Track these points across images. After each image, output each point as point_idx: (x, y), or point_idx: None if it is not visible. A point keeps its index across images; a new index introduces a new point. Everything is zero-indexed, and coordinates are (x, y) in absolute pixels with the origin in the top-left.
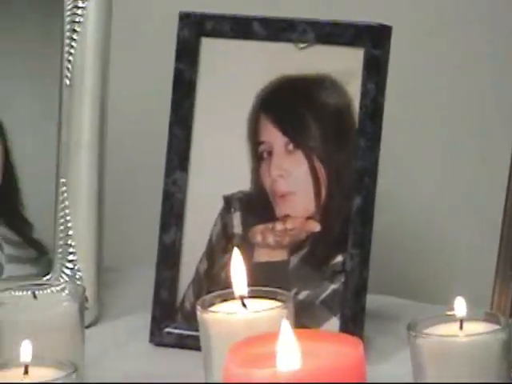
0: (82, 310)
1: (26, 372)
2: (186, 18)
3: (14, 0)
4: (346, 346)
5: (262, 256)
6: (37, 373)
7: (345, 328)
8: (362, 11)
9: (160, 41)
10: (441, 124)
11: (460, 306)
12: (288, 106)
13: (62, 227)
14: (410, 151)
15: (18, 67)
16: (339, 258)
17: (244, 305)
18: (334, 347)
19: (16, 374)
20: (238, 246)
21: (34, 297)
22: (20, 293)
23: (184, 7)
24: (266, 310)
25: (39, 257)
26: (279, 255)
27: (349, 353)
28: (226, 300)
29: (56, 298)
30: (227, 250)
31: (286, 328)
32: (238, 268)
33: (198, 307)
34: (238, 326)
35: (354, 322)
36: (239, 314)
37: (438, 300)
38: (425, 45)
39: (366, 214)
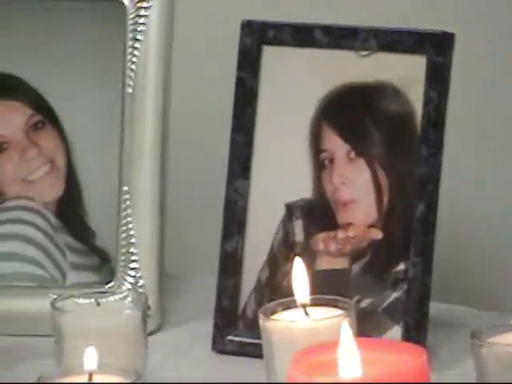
0: (144, 317)
1: (90, 379)
2: (247, 27)
3: (78, 9)
4: (408, 355)
5: (324, 264)
6: (100, 380)
7: (407, 336)
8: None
9: (222, 49)
10: (500, 129)
11: None
12: (350, 113)
13: (124, 235)
14: (469, 156)
15: (81, 75)
16: (401, 266)
17: (306, 313)
18: (396, 356)
19: (80, 381)
20: (299, 254)
21: (97, 304)
22: (83, 300)
23: (246, 15)
24: (328, 318)
25: (102, 264)
26: (341, 263)
27: (412, 361)
28: (287, 308)
29: (119, 306)
30: (289, 258)
31: (347, 336)
32: (300, 276)
33: (261, 315)
34: (300, 334)
35: (416, 331)
36: (301, 322)
37: (502, 308)
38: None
39: (429, 222)
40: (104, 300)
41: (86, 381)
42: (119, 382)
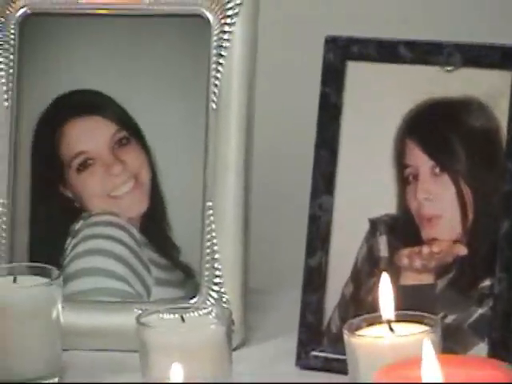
0: (228, 332)
1: None
2: (332, 42)
3: (163, 26)
4: (495, 371)
5: (409, 279)
6: None
7: (493, 353)
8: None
9: (306, 64)
10: None
11: None
12: (434, 129)
13: (208, 250)
14: None
15: (166, 91)
16: (487, 282)
17: (391, 329)
18: (482, 372)
19: None
20: (384, 270)
21: (182, 320)
22: (168, 315)
23: (330, 31)
24: (414, 335)
25: (186, 280)
26: (426, 279)
27: (499, 378)
28: (372, 324)
29: (203, 321)
30: (373, 274)
31: (429, 353)
32: (385, 292)
33: (345, 331)
34: (385, 349)
35: (503, 347)
36: (386, 337)
37: None
38: None
39: None
40: (188, 315)
41: None
42: None
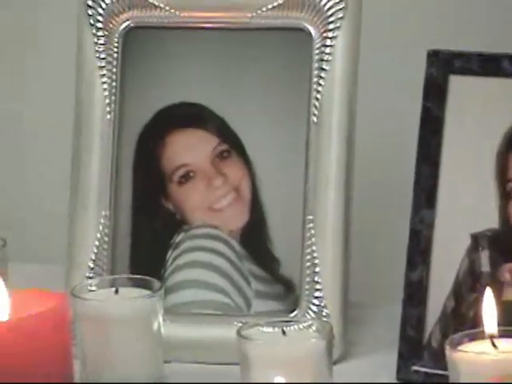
0: (329, 346)
1: None
2: (434, 56)
3: (264, 39)
4: None
5: (511, 295)
6: None
7: None
8: None
9: (407, 78)
10: None
11: None
12: None
13: (308, 264)
14: None
15: (267, 105)
16: None
17: (494, 344)
18: None
19: None
20: (486, 285)
21: (283, 333)
22: (268, 329)
23: (432, 45)
24: None
25: (286, 293)
26: None
27: None
28: (474, 339)
29: (304, 335)
30: (475, 289)
31: None
32: (489, 307)
33: (447, 346)
34: (488, 365)
35: None
36: (489, 353)
37: None
38: None
39: None
40: (289, 329)
41: None
42: None
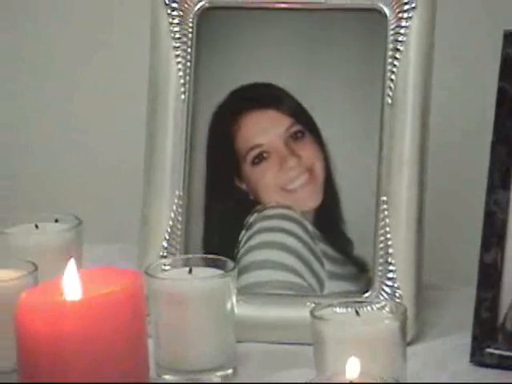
0: (403, 328)
1: None
2: (510, 37)
3: (339, 20)
4: None
5: None
6: None
7: None
8: None
9: (483, 58)
10: None
11: None
12: None
13: (381, 245)
14: None
15: (341, 85)
16: None
17: None
18: None
19: None
20: None
21: (357, 314)
22: (342, 309)
23: (508, 25)
24: None
25: (359, 274)
26: None
27: None
28: None
29: (377, 316)
30: None
31: None
32: None
33: None
34: None
35: None
36: None
37: None
38: None
39: None
40: (362, 309)
41: None
42: None
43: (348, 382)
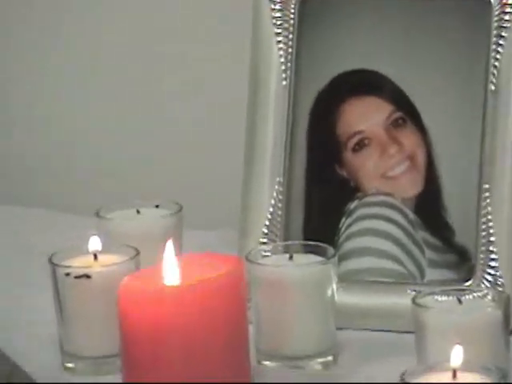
0: (505, 316)
1: (454, 376)
2: None
3: (441, 7)
4: None
5: None
6: (464, 378)
7: None
8: None
9: None
10: None
11: None
12: None
13: (484, 233)
14: None
15: (443, 72)
16: None
17: None
18: None
19: (443, 377)
20: None
21: (459, 302)
22: (443, 297)
23: None
24: None
25: (460, 262)
26: None
27: None
28: None
29: (479, 304)
30: None
31: None
32: None
33: None
34: None
35: None
36: None
37: None
38: None
39: None
40: (464, 297)
41: (450, 379)
42: (484, 381)
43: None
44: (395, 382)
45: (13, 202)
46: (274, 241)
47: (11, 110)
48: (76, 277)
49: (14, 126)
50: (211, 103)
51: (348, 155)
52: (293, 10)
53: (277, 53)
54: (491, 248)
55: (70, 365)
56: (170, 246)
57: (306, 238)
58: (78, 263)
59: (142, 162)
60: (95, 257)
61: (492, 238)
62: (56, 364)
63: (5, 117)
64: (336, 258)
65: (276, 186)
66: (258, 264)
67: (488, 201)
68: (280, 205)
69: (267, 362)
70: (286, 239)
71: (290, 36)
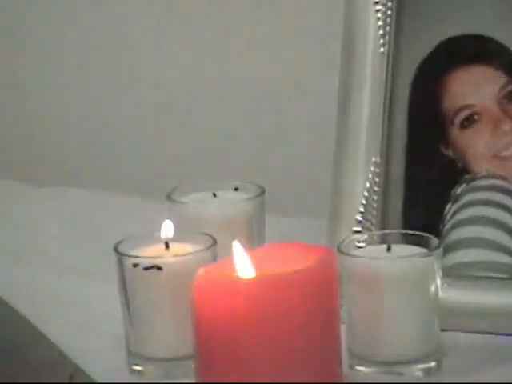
0: None
1: None
2: None
3: None
4: None
5: None
6: None
7: None
8: None
9: None
10: None
11: None
12: None
13: None
14: None
15: None
16: None
17: None
18: None
19: None
20: None
21: None
22: None
23: None
24: None
25: None
26: None
27: None
28: None
29: None
30: None
31: None
32: None
33: None
34: None
35: None
36: None
37: None
38: None
39: None
40: None
41: None
42: None
43: None
44: None
45: (77, 184)
46: (370, 229)
47: (87, 97)
48: (145, 268)
49: (87, 115)
50: (300, 80)
51: (455, 132)
52: None
53: (374, 16)
54: None
55: (137, 367)
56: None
57: (405, 227)
58: (148, 253)
59: (219, 140)
60: (167, 245)
61: None
62: (122, 365)
63: (84, 103)
64: (440, 249)
65: (372, 168)
66: (351, 256)
67: None
68: (376, 189)
69: (361, 367)
70: (382, 228)
71: None
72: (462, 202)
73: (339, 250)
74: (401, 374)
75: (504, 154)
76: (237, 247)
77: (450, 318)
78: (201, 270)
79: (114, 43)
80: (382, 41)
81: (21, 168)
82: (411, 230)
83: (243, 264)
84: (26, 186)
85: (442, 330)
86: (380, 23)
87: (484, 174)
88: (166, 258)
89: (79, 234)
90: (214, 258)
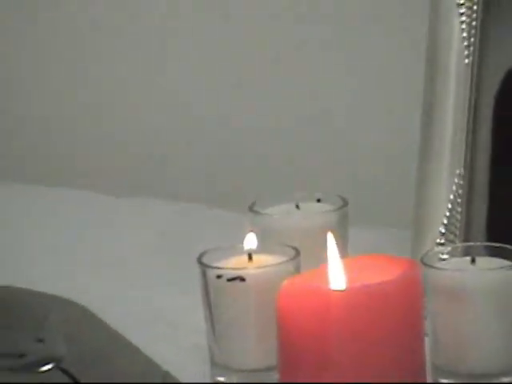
0: None
1: None
2: None
3: None
4: None
5: None
6: None
7: None
8: None
9: None
10: None
11: None
12: None
13: None
14: None
15: None
16: None
17: None
18: None
19: None
20: None
21: None
22: None
23: None
24: None
25: None
26: None
27: None
28: None
29: None
30: None
31: None
32: None
33: None
34: None
35: None
36: None
37: None
38: None
39: None
40: None
41: None
42: None
43: None
44: None
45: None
46: (453, 241)
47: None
48: (229, 279)
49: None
50: (382, 82)
51: None
52: None
53: (458, 26)
54: None
55: (221, 378)
56: (332, 245)
57: (490, 239)
58: (231, 264)
59: (299, 151)
60: (250, 257)
61: None
62: (205, 377)
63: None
64: None
65: (456, 179)
66: (435, 268)
67: None
68: (460, 200)
69: (445, 380)
70: (466, 240)
71: (475, 7)
72: None
73: (423, 262)
74: None
75: None
76: (332, 254)
77: None
78: (285, 282)
79: (115, 43)
80: (466, 52)
81: (96, 178)
82: (496, 242)
83: (336, 274)
84: (103, 197)
85: None
86: (464, 34)
87: None
88: (250, 270)
89: (161, 246)
90: (298, 270)
